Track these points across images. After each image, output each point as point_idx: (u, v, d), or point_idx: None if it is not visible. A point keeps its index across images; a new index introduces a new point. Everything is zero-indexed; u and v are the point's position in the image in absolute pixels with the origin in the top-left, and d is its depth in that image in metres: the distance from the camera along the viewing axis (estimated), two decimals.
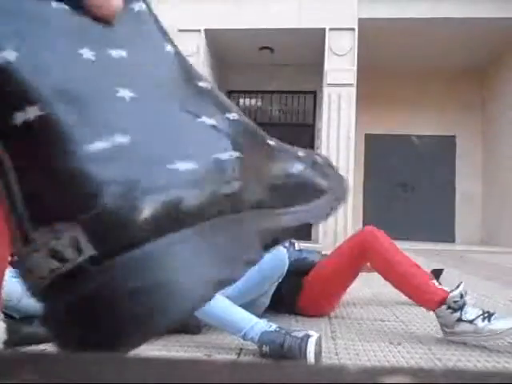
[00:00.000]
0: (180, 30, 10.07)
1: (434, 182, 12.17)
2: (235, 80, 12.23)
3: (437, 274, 3.45)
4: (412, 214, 12.00)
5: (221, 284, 0.47)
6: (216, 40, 10.52)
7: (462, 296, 2.43)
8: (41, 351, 2.10)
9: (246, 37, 10.43)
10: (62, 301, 0.42)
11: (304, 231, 11.67)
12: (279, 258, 2.74)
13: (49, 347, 2.24)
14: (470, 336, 2.34)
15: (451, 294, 2.42)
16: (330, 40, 9.83)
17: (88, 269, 0.41)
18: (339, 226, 9.31)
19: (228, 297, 2.43)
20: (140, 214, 0.42)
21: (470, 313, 2.37)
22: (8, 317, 2.38)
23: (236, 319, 2.25)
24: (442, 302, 2.44)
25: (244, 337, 2.20)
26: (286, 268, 2.75)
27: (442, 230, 12.03)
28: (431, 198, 12.12)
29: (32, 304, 2.34)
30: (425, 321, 2.94)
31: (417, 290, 2.58)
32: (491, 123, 11.77)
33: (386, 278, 2.75)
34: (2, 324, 2.29)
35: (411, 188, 12.24)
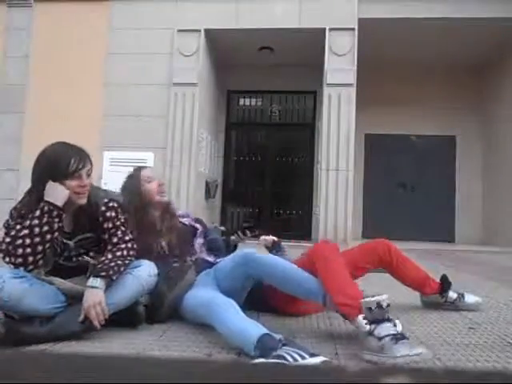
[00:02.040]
0: (180, 30, 10.08)
1: (434, 182, 12.16)
2: (235, 80, 12.23)
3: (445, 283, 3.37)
4: (412, 214, 11.99)
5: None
6: (216, 40, 10.52)
7: (380, 306, 2.21)
8: (41, 351, 2.10)
9: (246, 37, 10.43)
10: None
11: (305, 232, 11.66)
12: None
13: (49, 347, 2.24)
14: (372, 355, 2.14)
15: (365, 300, 2.24)
16: (330, 40, 9.83)
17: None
18: (339, 226, 9.32)
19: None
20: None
21: (383, 329, 2.16)
22: (8, 317, 2.38)
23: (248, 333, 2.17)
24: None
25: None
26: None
27: (442, 229, 12.02)
28: (431, 198, 12.11)
29: (32, 305, 2.34)
30: (425, 321, 2.95)
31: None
32: (492, 123, 11.76)
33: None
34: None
35: (411, 188, 12.22)
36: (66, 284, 2.51)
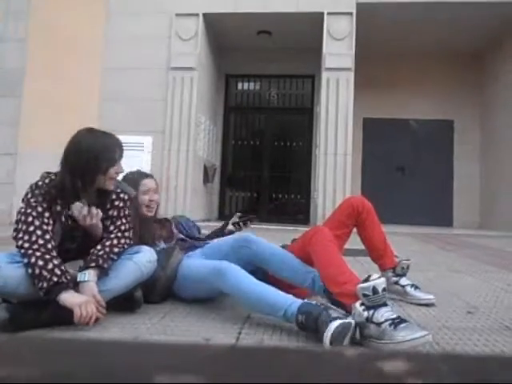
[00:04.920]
0: (178, 14, 10.04)
1: (432, 167, 12.17)
2: (233, 64, 12.20)
3: None
4: (410, 198, 12.01)
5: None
6: (214, 24, 10.48)
7: (376, 291, 2.17)
8: (38, 335, 2.10)
9: (244, 21, 10.39)
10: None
11: (303, 216, 11.69)
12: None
13: (47, 332, 2.24)
14: (373, 342, 2.12)
15: (360, 286, 2.19)
16: (329, 24, 9.80)
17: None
18: None
19: None
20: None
21: (381, 314, 2.13)
22: (6, 302, 2.38)
23: (276, 299, 2.33)
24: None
25: (285, 314, 2.26)
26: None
27: (439, 214, 12.05)
28: (429, 182, 12.12)
29: (29, 290, 2.34)
30: (423, 305, 2.95)
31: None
32: (489, 108, 11.75)
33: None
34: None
35: (409, 172, 12.24)
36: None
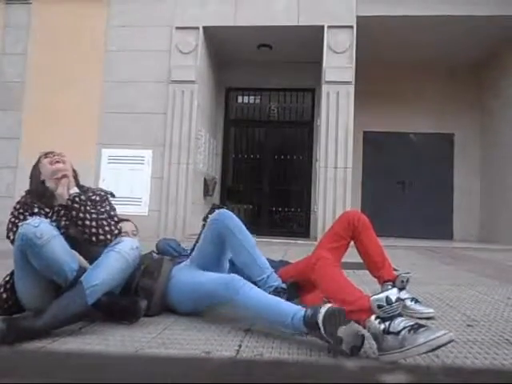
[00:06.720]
0: (178, 28, 10.07)
1: (432, 180, 12.18)
2: (234, 77, 12.23)
3: None
4: (410, 212, 12.01)
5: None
6: (215, 37, 10.52)
7: (390, 302, 2.11)
8: (38, 349, 2.10)
9: (245, 34, 10.43)
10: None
11: (303, 229, 11.68)
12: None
13: (46, 344, 2.23)
14: (395, 353, 2.00)
15: (374, 297, 2.14)
16: (329, 37, 9.83)
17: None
18: None
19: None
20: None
21: (398, 324, 2.06)
22: (5, 311, 2.41)
23: (285, 307, 2.39)
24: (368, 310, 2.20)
25: (293, 319, 2.28)
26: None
27: (440, 227, 12.03)
28: (429, 195, 12.13)
29: (55, 252, 2.52)
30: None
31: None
32: (490, 121, 11.77)
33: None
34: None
35: (409, 185, 12.24)
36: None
